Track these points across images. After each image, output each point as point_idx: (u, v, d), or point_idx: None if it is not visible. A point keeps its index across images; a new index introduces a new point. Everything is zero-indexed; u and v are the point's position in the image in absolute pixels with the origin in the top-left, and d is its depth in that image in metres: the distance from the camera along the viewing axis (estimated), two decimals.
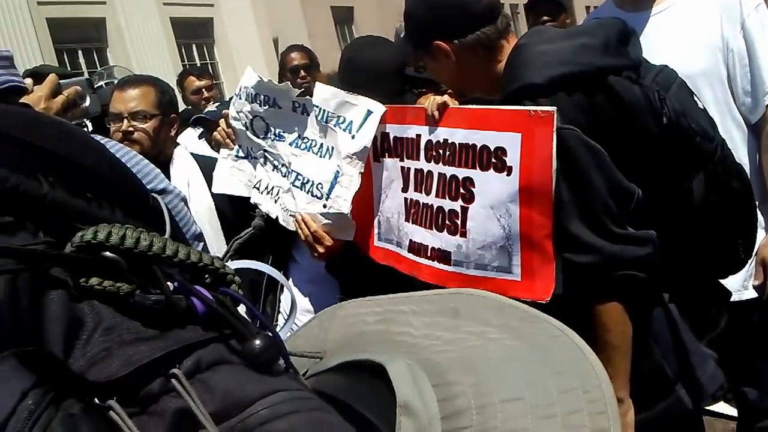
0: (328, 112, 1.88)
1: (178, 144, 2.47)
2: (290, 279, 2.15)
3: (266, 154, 2.12)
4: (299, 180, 1.98)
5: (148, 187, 0.66)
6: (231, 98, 2.34)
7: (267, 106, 2.05)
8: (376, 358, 0.59)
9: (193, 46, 17.54)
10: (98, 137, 0.66)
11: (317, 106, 1.91)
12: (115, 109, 2.27)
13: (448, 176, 1.64)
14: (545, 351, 0.59)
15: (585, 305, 1.48)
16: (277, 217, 2.06)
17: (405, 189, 1.80)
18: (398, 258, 1.85)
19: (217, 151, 2.31)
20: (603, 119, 1.47)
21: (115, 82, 3.90)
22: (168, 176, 2.30)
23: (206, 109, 4.49)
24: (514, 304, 0.69)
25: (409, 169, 1.77)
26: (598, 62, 1.48)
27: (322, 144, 1.94)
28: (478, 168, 1.56)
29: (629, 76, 1.50)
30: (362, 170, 1.86)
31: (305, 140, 1.99)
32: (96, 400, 0.42)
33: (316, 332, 0.75)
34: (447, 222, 1.66)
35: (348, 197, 1.86)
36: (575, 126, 1.43)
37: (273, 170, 2.12)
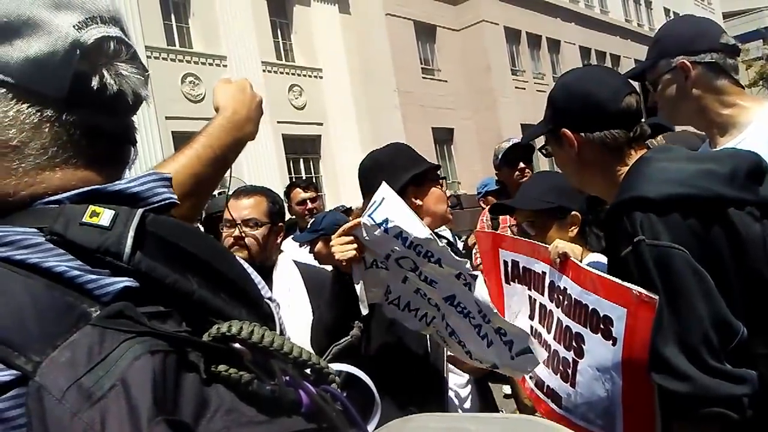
0: (488, 316, 1.71)
1: (282, 251, 2.61)
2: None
3: (407, 279, 1.81)
4: (455, 337, 1.82)
5: None
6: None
7: (426, 259, 1.70)
8: None
9: (301, 160, 18.58)
10: None
11: (478, 302, 1.69)
12: (229, 215, 2.44)
13: (564, 325, 1.65)
14: None
15: (667, 425, 1.41)
16: (430, 335, 1.93)
17: (531, 317, 1.83)
18: (523, 378, 1.88)
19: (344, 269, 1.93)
20: (715, 250, 1.40)
21: (228, 191, 4.19)
22: (271, 281, 2.42)
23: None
24: None
25: (535, 300, 1.80)
26: (719, 190, 1.41)
27: (481, 326, 1.75)
28: (588, 328, 1.55)
29: (752, 212, 1.42)
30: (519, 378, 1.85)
31: (462, 307, 1.76)
32: None
33: None
34: (560, 367, 1.66)
35: (514, 375, 1.86)
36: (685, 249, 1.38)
37: (416, 294, 1.84)
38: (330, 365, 0.63)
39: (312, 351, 0.61)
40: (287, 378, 0.56)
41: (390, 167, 2.07)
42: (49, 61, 0.58)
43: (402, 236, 1.67)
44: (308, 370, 0.59)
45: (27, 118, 0.58)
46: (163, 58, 15.32)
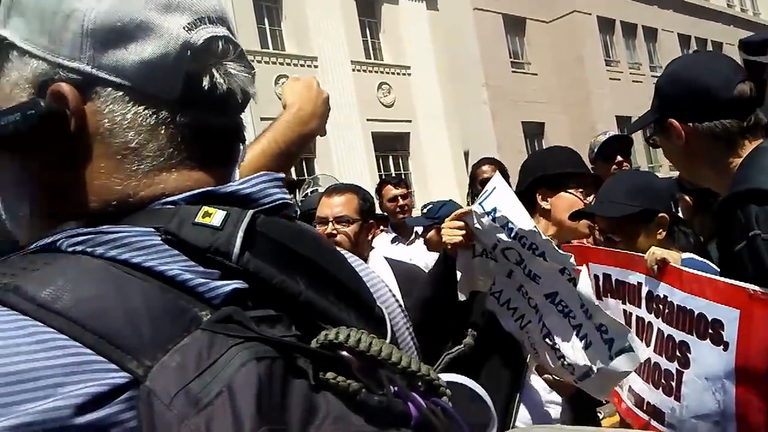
0: (590, 311, 1.67)
1: (373, 248, 2.64)
2: None
3: (512, 273, 1.83)
4: (550, 340, 1.77)
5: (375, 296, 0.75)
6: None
7: (531, 252, 1.72)
8: None
9: (390, 157, 18.71)
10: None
11: (581, 297, 1.67)
12: (322, 213, 2.50)
13: (665, 334, 1.58)
14: None
15: None
16: (522, 342, 1.91)
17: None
18: (619, 398, 1.82)
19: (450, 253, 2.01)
20: None
21: (319, 189, 4.28)
22: None
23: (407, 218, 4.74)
24: None
25: (630, 314, 1.73)
26: None
27: (581, 325, 1.70)
28: (694, 335, 1.48)
29: None
30: (612, 387, 1.75)
31: (564, 305, 1.74)
32: None
33: None
34: (662, 381, 1.59)
35: (604, 392, 1.77)
36: None
37: (518, 291, 1.85)
38: (441, 376, 0.60)
39: (421, 362, 0.59)
40: (395, 389, 0.54)
41: (532, 165, 2.14)
42: (162, 63, 0.59)
43: (508, 227, 1.70)
44: (418, 382, 0.57)
45: (144, 120, 0.60)
46: (257, 61, 15.81)
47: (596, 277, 1.75)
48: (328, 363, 0.52)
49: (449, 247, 1.85)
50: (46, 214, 0.62)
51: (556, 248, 1.69)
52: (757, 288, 1.32)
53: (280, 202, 0.64)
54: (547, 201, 2.08)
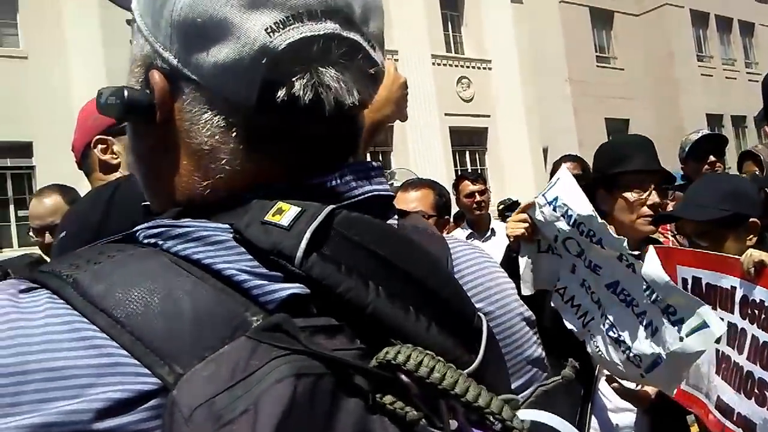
0: (658, 295, 1.61)
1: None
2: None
3: (575, 267, 1.84)
4: (614, 332, 1.73)
5: (482, 303, 0.65)
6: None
7: (589, 239, 1.73)
8: None
9: (467, 152, 18.57)
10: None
11: (646, 280, 1.63)
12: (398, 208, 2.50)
13: (761, 341, 1.52)
14: None
15: None
16: (584, 341, 1.85)
17: (717, 340, 1.68)
18: (705, 410, 1.74)
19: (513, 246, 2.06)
20: None
21: (396, 183, 4.26)
22: None
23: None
24: None
25: (722, 319, 1.65)
26: None
27: (645, 312, 1.65)
28: None
29: None
30: (685, 372, 1.66)
31: (626, 294, 1.71)
32: None
33: None
34: (756, 390, 1.52)
35: (672, 383, 1.67)
36: None
37: (582, 287, 1.85)
38: (522, 413, 0.52)
39: (496, 397, 0.49)
40: (457, 422, 0.48)
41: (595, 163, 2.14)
42: (237, 67, 0.54)
43: (567, 214, 1.74)
44: (489, 417, 0.49)
45: (218, 121, 0.57)
46: None
47: (684, 280, 1.68)
48: (388, 385, 0.47)
49: (512, 240, 1.87)
50: (154, 196, 0.62)
51: (612, 233, 1.68)
52: None
53: (371, 194, 0.58)
54: (604, 204, 2.05)
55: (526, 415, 0.53)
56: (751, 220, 1.93)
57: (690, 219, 1.98)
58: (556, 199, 1.79)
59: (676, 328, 1.57)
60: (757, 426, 1.49)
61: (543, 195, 1.82)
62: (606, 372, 1.98)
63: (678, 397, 1.78)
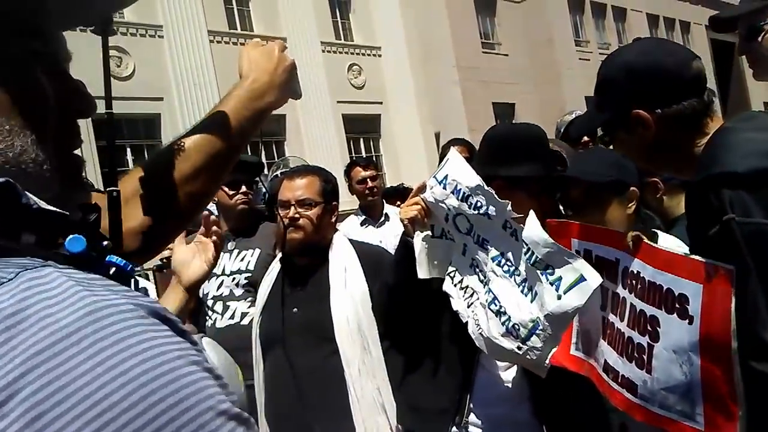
0: (537, 256, 1.70)
1: (337, 230, 2.61)
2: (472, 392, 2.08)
3: (466, 248, 1.92)
4: (495, 305, 1.82)
5: None
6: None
7: (477, 212, 1.82)
8: None
9: (361, 139, 18.64)
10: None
11: (527, 243, 1.72)
12: (284, 197, 2.44)
13: (637, 309, 1.59)
14: None
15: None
16: (466, 323, 1.91)
17: (603, 308, 1.76)
18: (594, 373, 1.82)
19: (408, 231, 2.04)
20: None
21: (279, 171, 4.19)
22: (327, 260, 2.43)
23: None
24: None
25: (608, 290, 1.73)
26: None
27: (525, 280, 1.76)
28: (663, 309, 1.49)
29: None
30: (563, 331, 1.74)
31: (509, 264, 1.81)
32: None
33: None
34: (635, 354, 1.60)
35: (545, 353, 1.74)
36: None
37: (471, 268, 1.93)
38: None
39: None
40: None
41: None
42: None
43: (456, 188, 1.83)
44: None
45: None
46: (225, 42, 15.56)
47: (577, 252, 1.76)
48: None
49: (406, 223, 1.92)
50: None
51: (497, 198, 1.78)
52: (716, 263, 1.32)
53: None
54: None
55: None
56: (631, 188, 2.05)
57: (581, 179, 2.06)
58: (446, 177, 1.86)
59: (554, 286, 1.66)
60: (638, 387, 1.58)
61: (434, 176, 1.89)
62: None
63: (567, 361, 1.86)
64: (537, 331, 1.72)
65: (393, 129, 18.78)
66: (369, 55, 18.82)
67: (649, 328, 1.54)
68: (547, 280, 1.68)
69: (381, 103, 18.79)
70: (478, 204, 1.80)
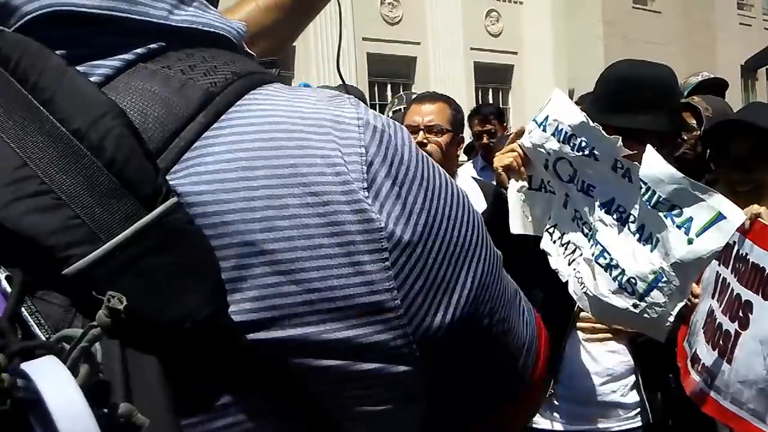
0: (660, 196, 1.45)
1: (460, 164, 2.51)
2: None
3: (568, 198, 1.73)
4: (604, 258, 1.58)
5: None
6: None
7: (580, 153, 1.62)
8: None
9: (490, 90, 18.19)
10: None
11: (646, 183, 1.48)
12: (412, 120, 2.36)
13: (734, 293, 1.48)
14: None
15: None
16: (566, 282, 1.72)
17: (713, 296, 1.63)
18: (684, 358, 1.72)
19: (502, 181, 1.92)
20: None
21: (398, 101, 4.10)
22: None
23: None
24: None
25: (719, 274, 1.60)
26: None
27: (643, 227, 1.52)
28: (760, 294, 1.39)
29: None
30: (692, 282, 1.51)
31: (621, 211, 1.59)
32: None
33: None
34: (720, 342, 1.51)
35: (668, 309, 1.48)
36: None
37: (573, 222, 1.73)
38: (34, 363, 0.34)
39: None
40: None
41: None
42: None
43: (558, 129, 1.65)
44: None
45: None
46: None
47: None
48: None
49: (500, 171, 1.78)
50: None
51: (604, 133, 1.57)
52: None
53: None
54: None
55: (38, 368, 0.33)
56: None
57: (754, 125, 1.85)
58: (546, 118, 1.70)
59: (683, 229, 1.42)
60: (717, 378, 1.50)
61: (533, 119, 1.74)
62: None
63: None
64: (659, 284, 1.47)
65: (525, 82, 18.16)
66: (509, 1, 18.14)
67: (740, 314, 1.45)
68: (674, 222, 1.43)
69: (516, 53, 18.16)
70: (582, 144, 1.61)
